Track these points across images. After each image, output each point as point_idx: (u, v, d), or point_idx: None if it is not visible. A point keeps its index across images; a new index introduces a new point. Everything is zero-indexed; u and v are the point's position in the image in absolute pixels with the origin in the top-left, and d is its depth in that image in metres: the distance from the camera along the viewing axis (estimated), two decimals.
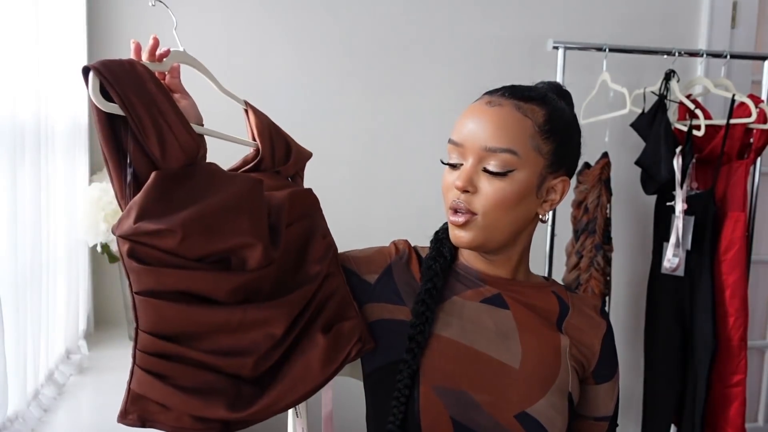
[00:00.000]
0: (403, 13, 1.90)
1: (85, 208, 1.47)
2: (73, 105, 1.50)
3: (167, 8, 0.83)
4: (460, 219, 0.85)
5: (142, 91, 0.71)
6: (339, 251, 0.97)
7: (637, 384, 2.12)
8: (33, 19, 1.22)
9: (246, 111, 0.98)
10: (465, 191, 0.84)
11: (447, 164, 0.88)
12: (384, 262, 0.96)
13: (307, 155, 1.05)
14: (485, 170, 0.83)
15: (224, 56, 1.80)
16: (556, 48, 1.77)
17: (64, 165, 1.44)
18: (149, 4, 0.84)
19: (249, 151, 0.98)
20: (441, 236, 0.96)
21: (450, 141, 0.87)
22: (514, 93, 0.86)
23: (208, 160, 0.80)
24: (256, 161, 0.95)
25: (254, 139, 0.96)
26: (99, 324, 1.75)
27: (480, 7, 1.95)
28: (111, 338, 1.67)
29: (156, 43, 0.79)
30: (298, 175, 1.04)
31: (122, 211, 0.71)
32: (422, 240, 1.01)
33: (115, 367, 1.45)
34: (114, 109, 0.69)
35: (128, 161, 0.71)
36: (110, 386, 1.36)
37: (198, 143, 0.76)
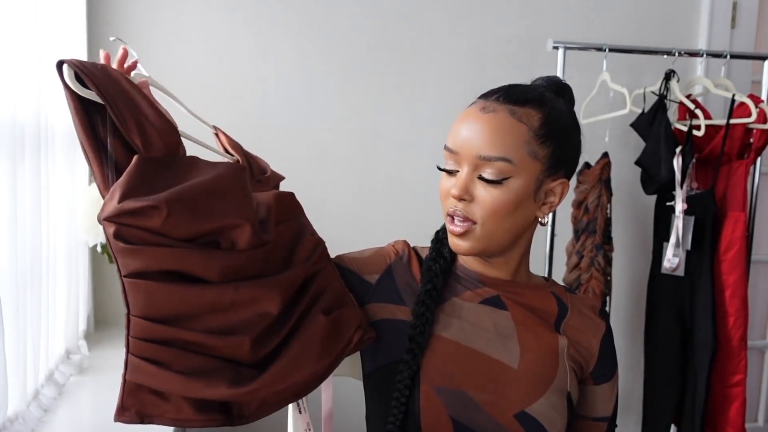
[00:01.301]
0: (403, 12, 1.90)
1: (85, 208, 1.47)
2: None
3: (123, 43, 0.81)
4: (458, 229, 0.85)
5: (116, 87, 0.70)
6: (337, 253, 0.97)
7: (637, 384, 2.12)
8: (33, 19, 1.22)
9: (216, 135, 0.95)
10: (461, 199, 0.84)
11: (443, 170, 0.88)
12: (384, 263, 0.96)
13: (279, 178, 1.03)
14: (481, 178, 0.83)
15: (224, 56, 1.80)
16: (556, 48, 1.77)
17: (64, 165, 1.44)
18: (110, 39, 0.82)
19: None
20: (441, 236, 0.96)
21: (445, 148, 0.86)
22: (508, 97, 0.84)
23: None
24: None
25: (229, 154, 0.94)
26: (99, 324, 1.76)
27: (480, 7, 1.95)
28: (111, 338, 1.67)
29: (125, 54, 0.78)
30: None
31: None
32: (422, 240, 1.01)
33: (115, 367, 1.44)
34: (91, 95, 0.68)
35: (107, 145, 0.70)
36: (110, 386, 1.36)
37: (177, 134, 0.75)
